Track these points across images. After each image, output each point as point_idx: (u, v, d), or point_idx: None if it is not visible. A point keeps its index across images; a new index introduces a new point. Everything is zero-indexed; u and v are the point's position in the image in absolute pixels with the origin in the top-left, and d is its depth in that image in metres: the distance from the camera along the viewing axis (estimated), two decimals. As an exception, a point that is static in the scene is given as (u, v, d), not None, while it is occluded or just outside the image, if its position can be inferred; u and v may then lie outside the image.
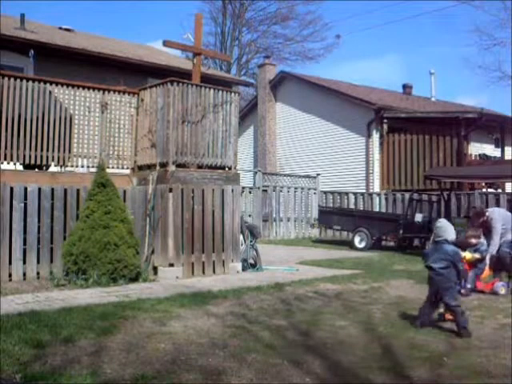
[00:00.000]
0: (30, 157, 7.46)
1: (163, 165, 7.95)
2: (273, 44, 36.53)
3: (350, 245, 13.59)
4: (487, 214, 7.82)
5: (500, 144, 18.32)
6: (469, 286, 6.88)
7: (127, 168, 8.56)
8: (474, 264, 6.96)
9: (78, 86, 8.04)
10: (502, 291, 6.84)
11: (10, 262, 7.00)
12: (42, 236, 7.29)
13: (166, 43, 8.79)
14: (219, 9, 35.84)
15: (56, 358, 3.81)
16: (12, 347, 3.94)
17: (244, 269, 8.65)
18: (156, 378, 3.49)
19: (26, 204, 7.18)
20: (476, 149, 18.21)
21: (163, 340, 4.36)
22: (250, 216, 15.09)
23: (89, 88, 8.15)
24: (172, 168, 7.83)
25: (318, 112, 19.55)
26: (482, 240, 7.29)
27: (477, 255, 6.93)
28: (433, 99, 24.48)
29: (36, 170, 7.76)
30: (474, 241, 7.21)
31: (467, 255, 6.94)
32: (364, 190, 17.21)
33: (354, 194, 16.76)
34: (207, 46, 32.12)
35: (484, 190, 14.41)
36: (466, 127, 15.89)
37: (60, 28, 15.91)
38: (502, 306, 6.17)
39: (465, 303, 6.25)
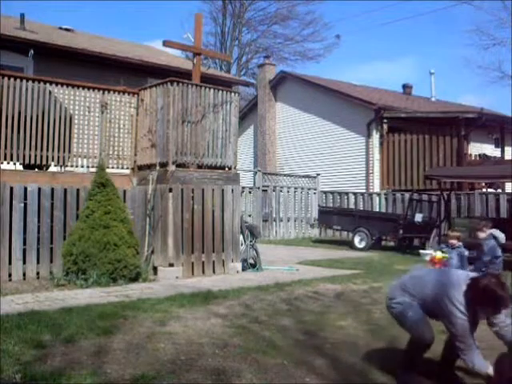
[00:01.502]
0: (29, 157, 7.45)
1: (163, 165, 7.95)
2: (273, 44, 36.55)
3: (350, 245, 13.59)
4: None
5: (500, 144, 18.31)
6: None
7: (127, 168, 8.55)
8: (444, 264, 6.93)
9: (78, 86, 8.04)
10: None
11: (10, 262, 7.00)
12: (41, 236, 7.29)
13: (165, 43, 8.79)
14: (219, 9, 35.85)
15: (56, 358, 3.81)
16: (12, 347, 3.94)
17: (244, 269, 8.65)
18: (156, 378, 3.49)
19: (25, 204, 7.18)
20: (476, 149, 18.19)
21: (163, 340, 4.36)
22: (250, 216, 15.08)
23: (89, 88, 8.15)
24: (172, 168, 7.83)
25: (318, 112, 19.54)
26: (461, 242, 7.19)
27: (446, 255, 6.92)
28: (433, 99, 24.48)
29: (36, 169, 7.76)
30: (454, 241, 7.17)
31: (437, 254, 6.96)
32: (364, 190, 17.21)
33: (354, 193, 16.76)
34: (207, 46, 32.13)
35: (484, 189, 14.40)
36: (466, 127, 15.88)
37: (60, 28, 15.92)
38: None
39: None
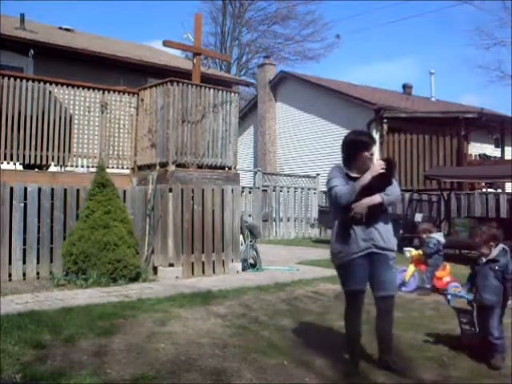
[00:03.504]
0: (29, 157, 7.45)
1: (163, 165, 7.95)
2: (273, 44, 36.54)
3: (350, 245, 13.54)
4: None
5: (500, 144, 18.30)
6: (428, 286, 6.75)
7: (127, 168, 8.55)
8: (424, 261, 6.87)
9: (78, 86, 8.04)
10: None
11: (10, 262, 7.00)
12: (41, 236, 7.29)
13: (165, 43, 8.78)
14: (219, 9, 35.83)
15: (56, 358, 3.81)
16: (12, 347, 3.94)
17: (244, 269, 8.65)
18: (156, 378, 3.49)
19: (25, 204, 7.18)
20: (476, 149, 18.19)
21: (163, 340, 4.36)
22: (250, 216, 15.07)
23: (89, 88, 8.15)
24: (172, 168, 7.83)
25: (318, 112, 19.54)
26: (433, 234, 7.00)
27: (421, 251, 6.85)
28: (433, 99, 24.48)
29: (36, 169, 7.76)
30: (424, 236, 7.03)
31: (412, 252, 6.93)
32: (364, 190, 17.15)
33: (354, 193, 16.70)
34: (207, 46, 32.11)
35: (484, 189, 14.40)
36: (466, 127, 15.88)
37: (60, 28, 15.91)
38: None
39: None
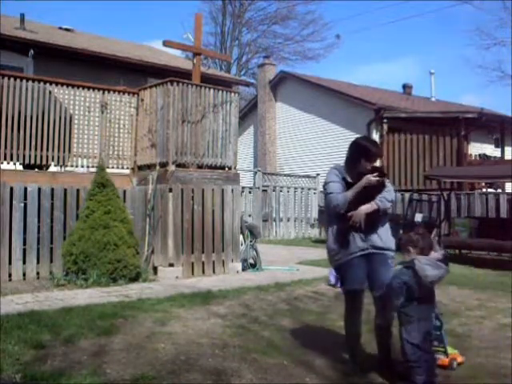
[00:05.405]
0: (29, 157, 7.45)
1: (163, 165, 7.95)
2: (273, 44, 36.55)
3: (349, 245, 13.53)
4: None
5: (500, 144, 18.30)
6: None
7: (127, 168, 8.55)
8: None
9: (78, 86, 8.04)
10: None
11: (10, 262, 7.00)
12: (41, 236, 7.29)
13: (165, 43, 8.79)
14: (219, 9, 35.84)
15: (56, 358, 3.81)
16: (12, 347, 3.94)
17: (244, 269, 8.65)
18: (156, 378, 3.49)
19: (25, 204, 7.18)
20: (476, 149, 18.19)
21: (163, 340, 4.36)
22: (250, 216, 15.07)
23: (89, 88, 8.15)
24: (172, 168, 7.83)
25: (318, 112, 19.53)
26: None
27: None
28: (433, 99, 24.48)
29: (36, 169, 7.76)
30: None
31: None
32: (364, 190, 17.13)
33: (354, 193, 16.69)
34: (207, 46, 32.11)
35: (484, 189, 14.39)
36: (466, 127, 15.88)
37: (60, 28, 15.92)
38: (502, 306, 6.17)
39: (464, 303, 6.24)
